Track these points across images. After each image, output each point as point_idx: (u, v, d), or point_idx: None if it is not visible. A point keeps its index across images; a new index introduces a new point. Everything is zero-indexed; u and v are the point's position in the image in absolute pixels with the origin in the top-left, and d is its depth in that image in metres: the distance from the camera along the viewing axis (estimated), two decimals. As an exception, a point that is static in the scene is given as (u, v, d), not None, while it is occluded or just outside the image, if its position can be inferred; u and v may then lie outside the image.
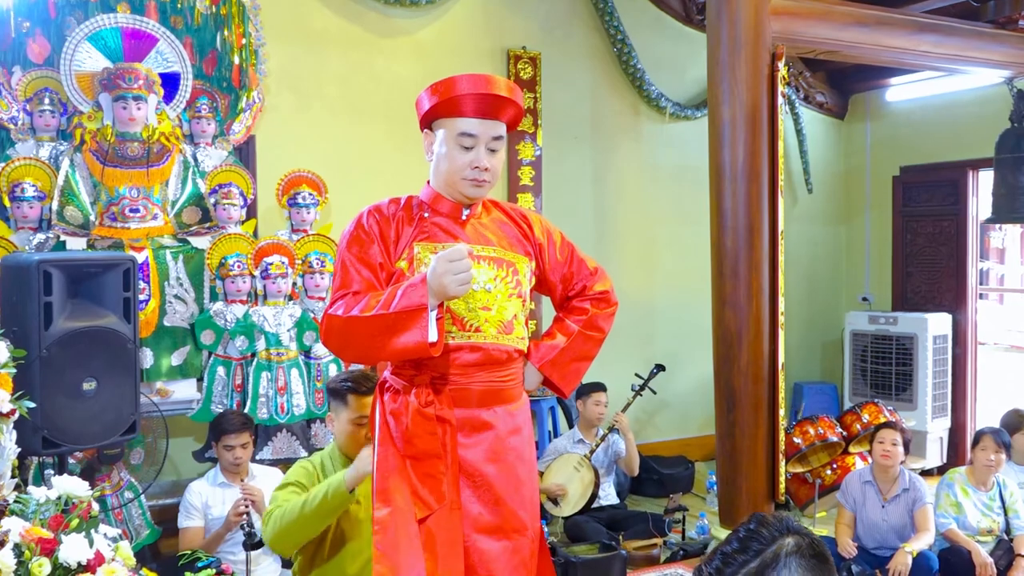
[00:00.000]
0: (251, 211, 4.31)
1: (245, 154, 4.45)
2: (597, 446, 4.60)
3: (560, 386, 2.32)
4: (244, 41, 4.29)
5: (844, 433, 4.91)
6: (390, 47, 5.04)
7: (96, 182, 3.82)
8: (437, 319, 1.95)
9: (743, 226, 3.99)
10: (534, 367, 2.27)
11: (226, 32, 4.26)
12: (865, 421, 4.93)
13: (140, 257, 3.68)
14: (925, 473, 5.58)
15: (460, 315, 2.09)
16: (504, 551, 2.11)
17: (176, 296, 3.86)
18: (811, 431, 4.79)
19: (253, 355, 3.94)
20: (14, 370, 2.14)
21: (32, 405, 2.13)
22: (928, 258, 6.45)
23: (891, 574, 3.72)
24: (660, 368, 4.96)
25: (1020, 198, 5.25)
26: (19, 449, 2.12)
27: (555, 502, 4.51)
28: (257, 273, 3.98)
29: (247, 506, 3.29)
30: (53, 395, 2.62)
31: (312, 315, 4.07)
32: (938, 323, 6.02)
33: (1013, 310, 10.85)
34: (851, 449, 4.91)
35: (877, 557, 3.96)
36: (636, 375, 4.96)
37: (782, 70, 4.01)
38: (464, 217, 2.18)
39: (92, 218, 3.79)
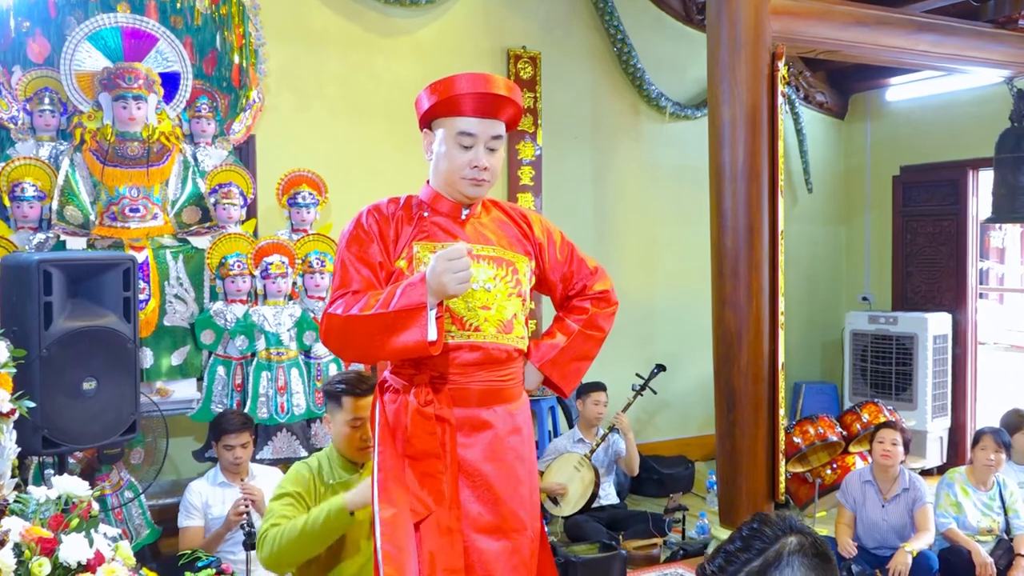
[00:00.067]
0: (251, 211, 4.31)
1: (245, 154, 4.45)
2: (597, 446, 4.61)
3: (560, 386, 2.32)
4: (244, 41, 4.29)
5: (844, 433, 4.91)
6: (390, 47, 5.04)
7: (96, 182, 3.82)
8: (437, 318, 1.94)
9: (743, 226, 3.99)
10: (534, 366, 2.27)
11: (226, 32, 4.26)
12: (865, 421, 4.93)
13: (140, 257, 3.68)
14: (925, 473, 5.58)
15: (460, 314, 2.09)
16: (504, 551, 2.11)
17: (176, 296, 3.86)
18: (811, 431, 4.79)
19: (253, 355, 3.94)
20: (14, 370, 2.14)
21: (32, 405, 2.13)
22: (928, 258, 6.45)
23: (891, 574, 3.72)
24: (660, 368, 4.96)
25: (1020, 198, 5.24)
26: (19, 449, 2.12)
27: (555, 502, 4.52)
28: (257, 273, 3.98)
29: (247, 506, 3.29)
30: (53, 395, 2.62)
31: (312, 315, 4.07)
32: (938, 323, 6.02)
33: (1013, 310, 10.85)
34: (851, 449, 4.91)
35: (877, 557, 3.96)
36: (637, 375, 4.96)
37: (782, 70, 4.01)
38: (464, 216, 2.18)
39: (92, 218, 3.79)
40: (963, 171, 6.22)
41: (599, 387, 4.75)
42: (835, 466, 4.84)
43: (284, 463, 3.89)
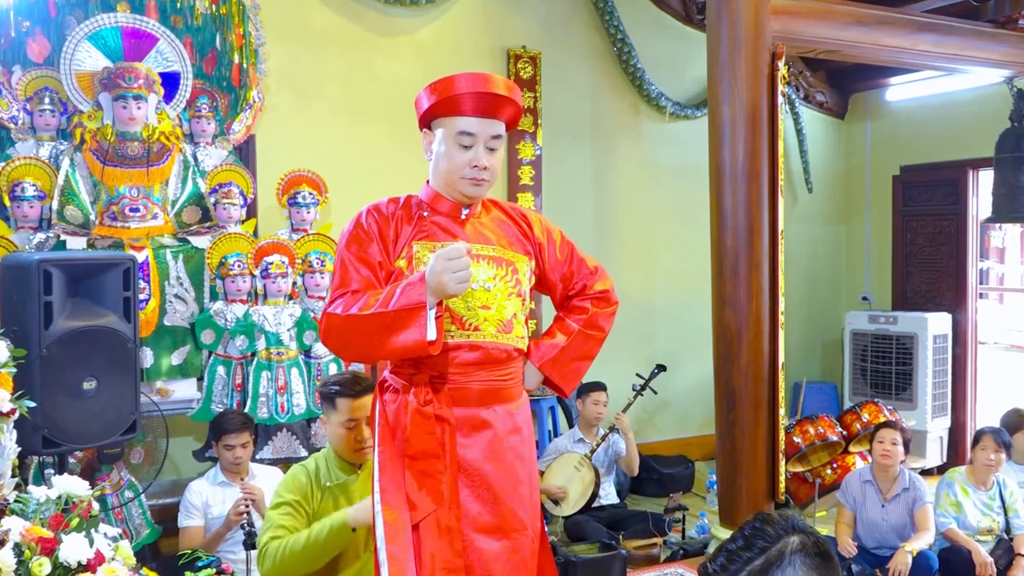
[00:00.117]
0: (251, 210, 4.31)
1: (245, 153, 4.45)
2: (597, 446, 4.61)
3: (560, 385, 2.31)
4: (244, 41, 4.29)
5: (844, 432, 4.91)
6: (390, 46, 5.04)
7: (96, 181, 3.82)
8: (436, 318, 1.94)
9: (743, 225, 3.99)
10: (534, 366, 2.27)
11: (226, 32, 4.26)
12: (865, 420, 4.93)
13: (140, 256, 3.68)
14: (925, 472, 5.58)
15: (459, 314, 2.09)
16: (503, 550, 2.11)
17: (176, 295, 3.86)
18: (811, 431, 4.79)
19: (253, 354, 3.94)
20: (14, 369, 2.14)
21: (32, 404, 2.13)
22: (928, 258, 6.45)
23: (891, 573, 3.72)
24: (661, 368, 4.96)
25: (1020, 198, 5.24)
26: (19, 448, 2.12)
27: (555, 502, 4.52)
28: (257, 272, 3.98)
29: (247, 505, 3.29)
30: (53, 394, 2.62)
31: (312, 314, 4.07)
32: (938, 322, 6.02)
33: (1013, 309, 10.85)
34: (851, 448, 4.91)
35: (877, 556, 3.96)
36: (637, 375, 4.96)
37: (782, 69, 4.01)
38: (463, 216, 2.18)
39: (92, 217, 3.79)
40: (963, 171, 6.22)
41: (599, 387, 4.75)
42: (835, 466, 4.84)
43: (284, 463, 3.89)
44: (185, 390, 3.91)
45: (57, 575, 1.75)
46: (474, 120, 2.07)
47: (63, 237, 3.69)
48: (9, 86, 3.82)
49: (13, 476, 2.10)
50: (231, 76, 4.29)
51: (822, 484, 4.72)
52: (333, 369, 4.06)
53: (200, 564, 2.93)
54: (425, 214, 2.15)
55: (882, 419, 4.78)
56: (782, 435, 4.10)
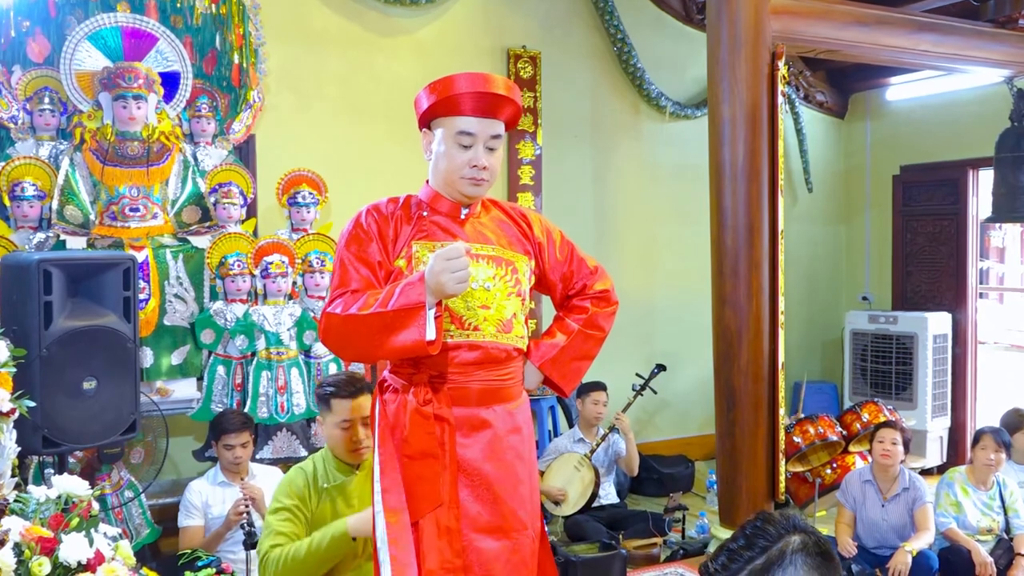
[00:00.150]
0: (251, 210, 4.31)
1: (245, 153, 4.45)
2: (597, 445, 4.61)
3: (560, 385, 2.31)
4: (244, 40, 4.29)
5: (844, 432, 4.90)
6: (390, 46, 5.04)
7: (96, 181, 3.82)
8: (435, 318, 1.94)
9: (743, 225, 3.99)
10: (534, 366, 2.27)
11: (226, 31, 4.26)
12: (865, 420, 4.93)
13: (140, 256, 3.68)
14: (925, 472, 5.58)
15: (459, 313, 2.09)
16: (503, 550, 2.11)
17: (176, 295, 3.86)
18: (811, 430, 4.78)
19: (253, 354, 3.94)
20: (14, 369, 2.14)
21: (32, 404, 2.13)
22: (928, 257, 6.45)
23: (891, 573, 3.72)
24: (661, 368, 4.96)
25: (1020, 197, 5.25)
26: (19, 448, 2.12)
27: (555, 502, 4.52)
28: (257, 272, 3.98)
29: (247, 505, 3.29)
30: (53, 394, 2.62)
31: (312, 314, 4.07)
32: (938, 322, 6.02)
33: (1013, 309, 10.86)
34: (851, 448, 4.91)
35: (877, 556, 3.96)
36: (637, 375, 4.96)
37: (782, 69, 4.01)
38: (463, 216, 2.18)
39: (92, 217, 3.79)
40: (963, 171, 6.22)
41: (599, 387, 4.75)
42: (835, 465, 4.84)
43: (284, 463, 3.89)
44: (185, 390, 3.91)
45: (57, 575, 1.75)
46: (473, 120, 2.07)
47: (63, 237, 3.69)
48: (9, 86, 3.82)
49: (13, 476, 2.10)
50: (231, 76, 4.29)
51: (822, 484, 4.72)
52: (333, 369, 4.06)
53: (200, 564, 2.93)
54: (425, 214, 2.15)
55: (882, 419, 4.78)
56: (782, 435, 4.10)
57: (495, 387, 2.14)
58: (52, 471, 2.78)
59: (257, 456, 3.89)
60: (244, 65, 4.30)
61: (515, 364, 2.19)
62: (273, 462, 3.92)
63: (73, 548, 1.77)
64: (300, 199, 4.29)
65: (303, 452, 3.98)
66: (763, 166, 4.00)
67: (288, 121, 4.68)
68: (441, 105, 2.07)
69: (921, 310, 6.20)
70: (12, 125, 3.83)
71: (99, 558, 1.80)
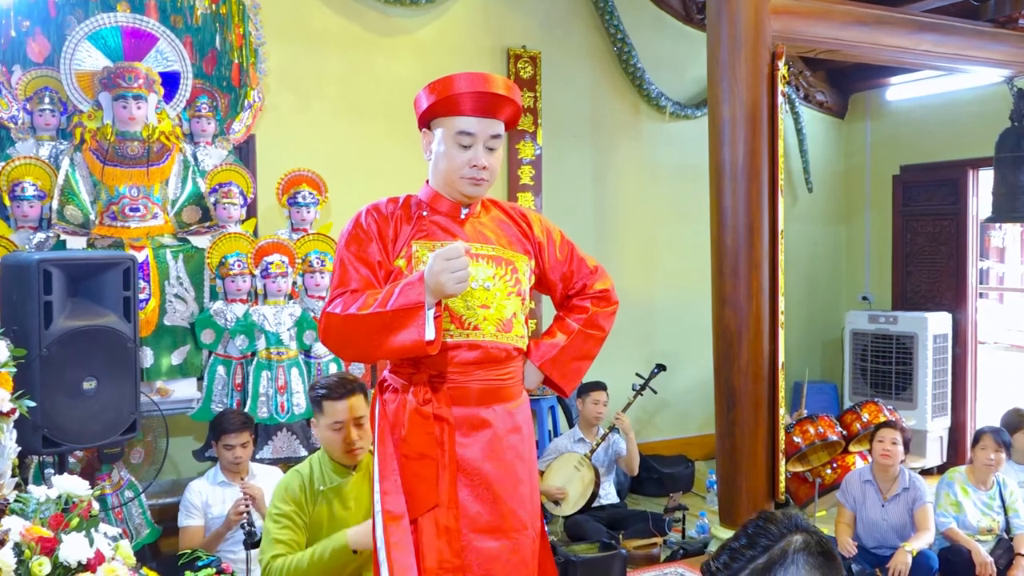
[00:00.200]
0: (251, 210, 4.31)
1: (245, 153, 4.45)
2: (597, 445, 4.61)
3: (560, 385, 2.31)
4: (244, 40, 4.29)
5: (844, 432, 4.91)
6: (390, 46, 5.04)
7: (96, 181, 3.82)
8: (435, 318, 1.94)
9: (743, 225, 3.99)
10: (534, 365, 2.27)
11: (226, 31, 4.26)
12: (865, 420, 4.93)
13: (140, 256, 3.68)
14: (925, 472, 5.58)
15: (459, 313, 2.09)
16: (503, 550, 2.11)
17: (176, 295, 3.86)
18: (811, 430, 4.79)
19: (253, 354, 3.94)
20: (14, 369, 2.14)
21: (32, 404, 2.13)
22: (928, 257, 6.45)
23: (891, 573, 3.72)
24: (661, 368, 4.96)
25: (1020, 197, 5.25)
26: (19, 448, 2.12)
27: (555, 501, 4.52)
28: (257, 272, 3.98)
29: (247, 505, 3.29)
30: (53, 394, 2.62)
31: (312, 314, 4.07)
32: (938, 322, 6.02)
33: (1013, 309, 10.86)
34: (851, 448, 4.91)
35: (877, 556, 3.96)
36: (637, 375, 4.96)
37: (782, 69, 4.01)
38: (463, 216, 2.17)
39: (92, 217, 3.79)
40: (963, 170, 6.22)
41: (599, 386, 4.75)
42: (835, 465, 4.84)
43: (284, 462, 3.89)
44: (185, 390, 3.91)
45: (57, 575, 1.75)
46: (473, 120, 2.07)
47: (63, 237, 3.69)
48: (9, 86, 3.82)
49: (13, 476, 2.10)
50: (231, 76, 4.29)
51: (822, 484, 4.72)
52: (333, 369, 4.07)
53: (200, 564, 2.93)
54: (424, 213, 2.15)
55: (882, 419, 4.78)
56: (782, 435, 4.10)
57: (495, 387, 2.14)
58: (52, 471, 2.78)
59: (257, 456, 3.89)
60: (244, 65, 4.30)
61: (515, 364, 2.19)
62: (273, 462, 3.92)
63: (73, 548, 1.77)
64: (300, 199, 4.29)
65: (303, 452, 3.98)
66: (763, 166, 4.00)
67: (288, 121, 4.68)
68: (441, 105, 2.07)
69: (921, 310, 6.20)
70: (12, 125, 3.83)
71: (99, 558, 1.80)
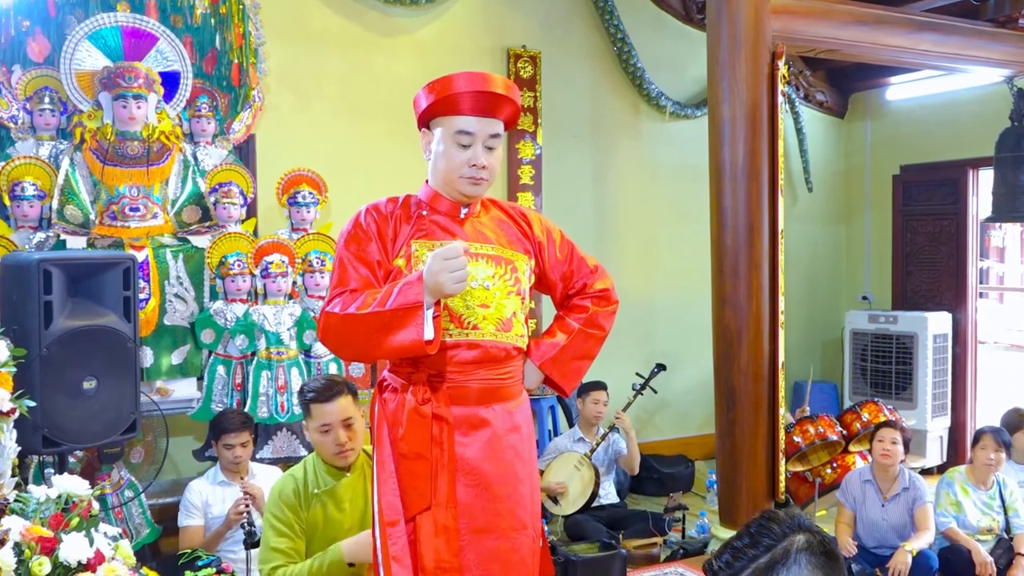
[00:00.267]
0: (251, 210, 4.31)
1: (245, 153, 4.45)
2: (597, 445, 4.61)
3: (561, 384, 2.31)
4: (244, 40, 4.29)
5: (844, 432, 4.91)
6: (390, 46, 5.04)
7: (96, 181, 3.82)
8: (434, 317, 1.94)
9: (743, 225, 3.99)
10: (534, 365, 2.27)
11: (226, 31, 4.26)
12: (865, 420, 4.93)
13: (140, 256, 3.68)
14: (925, 472, 5.58)
15: (458, 312, 2.09)
16: (502, 550, 2.10)
17: (176, 295, 3.86)
18: (811, 430, 4.79)
19: (253, 354, 3.94)
20: (14, 369, 2.14)
21: (32, 404, 2.13)
22: (928, 257, 6.45)
23: (891, 573, 3.72)
24: (661, 367, 4.96)
25: (1020, 197, 5.25)
26: (19, 448, 2.12)
27: (555, 501, 4.52)
28: (257, 272, 3.98)
29: (247, 505, 3.29)
30: (53, 394, 2.63)
31: (312, 314, 4.07)
32: (938, 322, 6.02)
33: (1013, 309, 10.86)
34: (851, 448, 4.91)
35: (877, 556, 3.96)
36: (637, 374, 4.96)
37: (782, 69, 4.02)
38: (462, 215, 2.17)
39: (92, 217, 3.79)
40: (963, 170, 6.22)
41: (599, 386, 4.75)
42: (835, 465, 4.84)
43: (284, 462, 3.90)
44: (185, 389, 3.91)
45: (57, 574, 1.75)
46: (472, 119, 2.06)
47: (63, 236, 3.69)
48: (9, 85, 3.82)
49: (13, 475, 2.10)
50: (231, 76, 4.29)
51: (822, 483, 4.72)
52: (333, 368, 4.07)
53: (200, 563, 2.94)
54: (424, 213, 2.15)
55: (882, 418, 4.78)
56: (782, 434, 4.10)
57: (494, 386, 2.14)
58: (52, 471, 2.79)
59: (257, 456, 3.89)
60: (244, 65, 4.30)
61: (515, 363, 2.19)
62: (273, 462, 3.93)
63: (73, 548, 1.77)
64: (300, 199, 4.29)
65: (303, 452, 3.98)
66: (763, 166, 4.00)
67: (288, 121, 4.68)
68: (440, 104, 2.07)
69: (921, 310, 6.20)
70: (12, 125, 3.83)
71: (99, 558, 1.80)
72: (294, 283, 4.12)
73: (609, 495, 4.78)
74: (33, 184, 3.70)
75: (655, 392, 5.03)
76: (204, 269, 3.94)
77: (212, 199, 4.05)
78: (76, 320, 2.72)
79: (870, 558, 3.96)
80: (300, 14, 4.76)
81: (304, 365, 4.03)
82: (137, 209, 3.83)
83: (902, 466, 4.05)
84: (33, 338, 2.58)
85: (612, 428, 4.68)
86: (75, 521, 1.87)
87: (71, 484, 1.94)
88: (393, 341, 1.94)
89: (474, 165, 2.08)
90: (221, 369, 3.93)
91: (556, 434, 5.19)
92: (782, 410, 4.11)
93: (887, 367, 6.10)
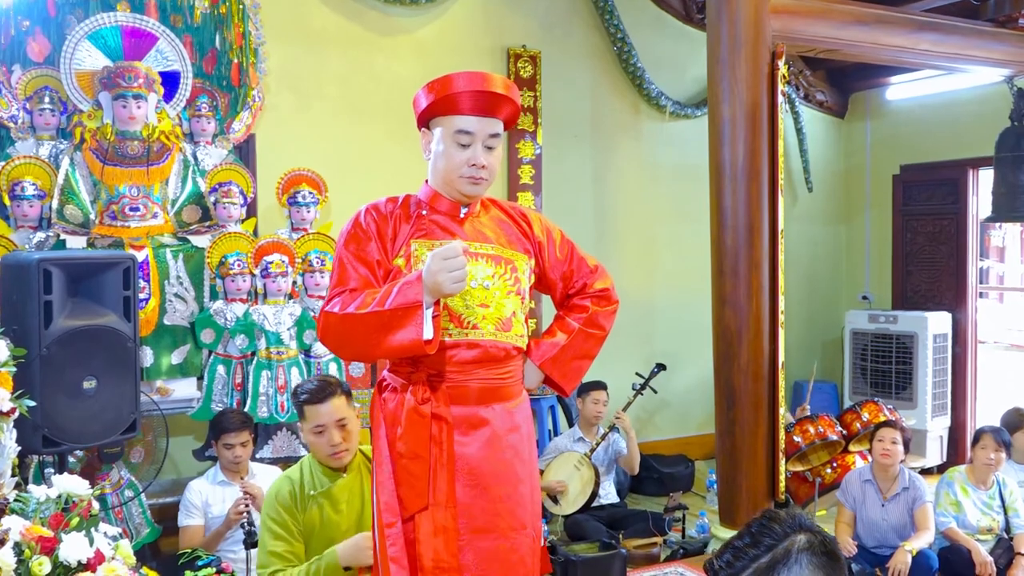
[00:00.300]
0: (251, 210, 4.31)
1: (245, 153, 4.45)
2: (597, 445, 4.61)
3: (561, 384, 2.31)
4: (244, 40, 4.29)
5: (844, 432, 4.91)
6: (390, 46, 5.04)
7: (96, 181, 3.82)
8: (433, 317, 1.94)
9: (743, 225, 3.99)
10: (534, 365, 2.27)
11: (226, 31, 4.26)
12: (865, 420, 4.93)
13: (140, 256, 3.68)
14: (925, 472, 5.58)
15: (458, 312, 2.09)
16: (501, 550, 2.10)
17: (176, 295, 3.86)
18: (811, 429, 4.79)
19: (253, 354, 3.94)
20: (14, 369, 2.14)
21: (32, 404, 2.13)
22: (928, 257, 6.45)
23: (891, 573, 3.72)
24: (661, 367, 4.96)
25: (1020, 197, 5.25)
26: (19, 448, 2.12)
27: (555, 500, 4.52)
28: (257, 272, 3.98)
29: (247, 504, 3.29)
30: (53, 394, 2.63)
31: (312, 314, 4.07)
32: (938, 322, 6.02)
33: (1013, 309, 10.86)
34: (851, 448, 4.91)
35: (877, 556, 3.96)
36: (637, 374, 4.96)
37: (782, 68, 4.02)
38: (462, 215, 2.17)
39: (92, 217, 3.79)
40: (963, 170, 6.22)
41: (599, 386, 4.75)
42: (835, 465, 4.84)
43: (284, 462, 3.89)
44: (185, 389, 3.91)
45: (57, 574, 1.75)
46: (472, 119, 2.06)
47: (63, 236, 3.69)
48: (9, 85, 3.82)
49: (13, 475, 2.10)
50: (231, 75, 4.29)
51: (822, 483, 4.72)
52: (333, 368, 4.07)
53: (200, 563, 2.93)
54: (424, 213, 2.15)
55: (882, 418, 4.78)
56: (782, 434, 4.10)
57: (494, 386, 2.14)
58: (52, 470, 2.79)
59: (257, 455, 3.89)
60: (244, 65, 4.30)
61: (514, 363, 2.19)
62: (273, 461, 3.92)
63: (73, 547, 1.77)
64: (300, 199, 4.29)
65: (303, 452, 3.98)
66: (763, 166, 4.00)
67: (288, 121, 4.68)
68: (439, 104, 2.07)
69: (921, 310, 6.20)
70: (12, 124, 3.83)
71: (99, 557, 1.80)
72: (294, 283, 4.12)
73: (609, 495, 4.77)
74: (33, 184, 3.70)
75: (655, 392, 5.03)
76: (204, 269, 3.94)
77: (212, 199, 4.05)
78: (76, 320, 2.72)
79: (870, 558, 3.96)
80: (300, 14, 4.76)
81: (304, 365, 4.03)
82: (137, 209, 3.83)
83: (902, 466, 4.05)
84: (33, 338, 2.58)
85: (612, 428, 4.68)
86: (75, 521, 1.87)
87: (71, 484, 1.94)
88: (392, 341, 1.94)
89: (474, 165, 2.08)
90: (221, 369, 3.93)
91: (556, 434, 5.19)
92: (782, 410, 4.11)
93: (887, 367, 6.10)
